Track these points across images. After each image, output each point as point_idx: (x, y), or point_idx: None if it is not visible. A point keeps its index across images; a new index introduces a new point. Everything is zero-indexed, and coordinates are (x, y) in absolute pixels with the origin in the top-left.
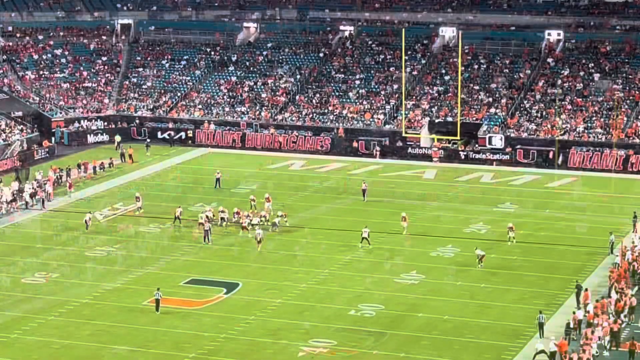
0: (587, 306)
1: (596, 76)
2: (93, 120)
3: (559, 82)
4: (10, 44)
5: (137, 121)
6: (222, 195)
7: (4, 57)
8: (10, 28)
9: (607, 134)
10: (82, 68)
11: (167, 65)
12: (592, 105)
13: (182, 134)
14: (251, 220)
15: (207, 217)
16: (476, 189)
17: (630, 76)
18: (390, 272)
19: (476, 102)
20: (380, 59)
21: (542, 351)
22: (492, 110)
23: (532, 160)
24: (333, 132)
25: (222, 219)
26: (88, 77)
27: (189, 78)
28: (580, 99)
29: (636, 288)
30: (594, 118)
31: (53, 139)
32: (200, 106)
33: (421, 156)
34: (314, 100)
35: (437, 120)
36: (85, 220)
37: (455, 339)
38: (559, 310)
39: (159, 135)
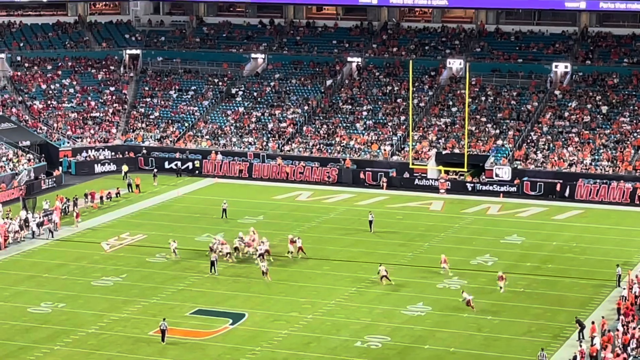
0: (594, 339)
1: (604, 109)
2: (100, 150)
3: (566, 114)
4: (19, 73)
5: (144, 151)
6: (229, 225)
7: (13, 86)
8: (19, 58)
9: (614, 166)
10: (90, 98)
11: (174, 95)
12: (599, 138)
13: (189, 164)
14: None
15: (216, 246)
16: (483, 220)
17: (637, 109)
18: (397, 303)
19: (483, 134)
20: (387, 91)
21: None
22: (499, 142)
23: (539, 192)
24: (340, 163)
25: (235, 248)
26: (96, 107)
27: (196, 108)
28: (588, 132)
29: None
30: (601, 151)
31: (60, 168)
32: (207, 136)
33: (428, 187)
34: (321, 131)
35: (444, 152)
36: (173, 250)
37: None
38: (566, 343)
39: (166, 165)
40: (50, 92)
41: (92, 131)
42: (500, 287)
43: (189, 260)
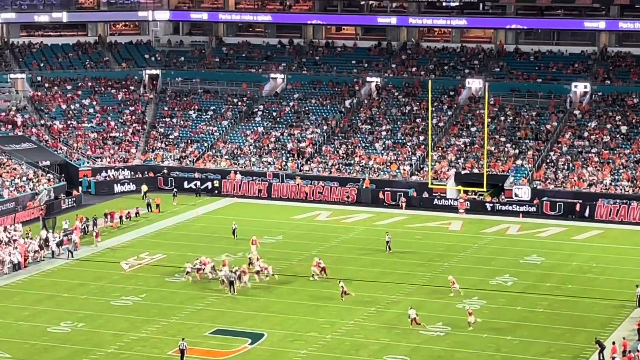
0: (614, 359)
1: (623, 128)
2: (120, 170)
3: (586, 134)
4: (39, 93)
5: (164, 171)
6: (241, 245)
7: (33, 106)
8: (39, 78)
9: (634, 186)
10: (109, 118)
11: (194, 115)
12: (619, 158)
13: (209, 184)
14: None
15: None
16: (502, 240)
17: None
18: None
19: (502, 154)
20: (406, 110)
21: None
22: (519, 162)
23: (558, 212)
24: (359, 183)
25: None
26: (115, 127)
27: (215, 128)
28: (607, 152)
29: None
30: (621, 171)
31: (80, 188)
32: (226, 156)
33: (447, 207)
34: (340, 151)
35: (463, 172)
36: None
37: None
38: None
39: (186, 185)
40: (70, 112)
41: (111, 151)
42: (469, 323)
43: (208, 280)
